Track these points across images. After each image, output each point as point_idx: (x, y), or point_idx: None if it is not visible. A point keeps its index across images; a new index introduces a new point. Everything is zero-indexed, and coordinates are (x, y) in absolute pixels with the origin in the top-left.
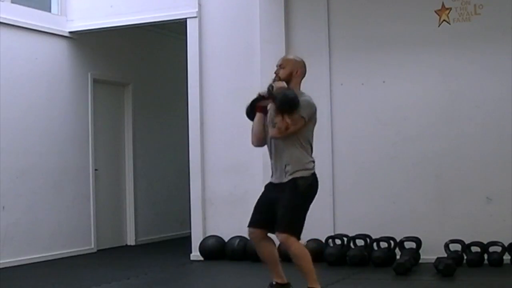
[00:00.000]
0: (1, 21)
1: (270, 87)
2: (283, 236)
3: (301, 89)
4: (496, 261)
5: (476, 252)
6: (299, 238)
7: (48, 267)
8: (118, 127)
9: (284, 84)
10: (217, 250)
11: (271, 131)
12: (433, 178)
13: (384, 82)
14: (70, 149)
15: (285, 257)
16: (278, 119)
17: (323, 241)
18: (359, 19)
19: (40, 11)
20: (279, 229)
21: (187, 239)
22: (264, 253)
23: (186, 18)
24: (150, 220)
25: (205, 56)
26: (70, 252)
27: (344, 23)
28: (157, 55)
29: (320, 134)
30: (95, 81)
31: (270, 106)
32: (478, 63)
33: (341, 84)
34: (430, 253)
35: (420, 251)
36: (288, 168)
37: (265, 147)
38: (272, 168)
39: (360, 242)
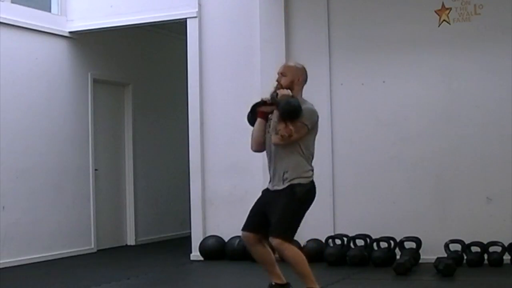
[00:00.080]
0: (1, 21)
1: (275, 94)
2: (277, 241)
3: (302, 94)
4: (496, 261)
5: (476, 252)
6: (291, 242)
7: (48, 267)
8: (118, 127)
9: (289, 92)
10: (217, 250)
11: (274, 138)
12: (433, 178)
13: (384, 82)
14: (70, 149)
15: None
16: (281, 126)
17: (323, 241)
18: (359, 19)
19: (40, 11)
20: (273, 234)
21: (187, 239)
22: (259, 256)
23: (186, 18)
24: (150, 220)
25: (205, 56)
26: (70, 252)
27: (344, 23)
28: (157, 55)
29: (320, 134)
30: (95, 81)
31: (274, 113)
32: (478, 63)
33: (341, 84)
34: (430, 253)
35: (420, 251)
36: (286, 175)
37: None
38: (270, 174)
39: (360, 242)
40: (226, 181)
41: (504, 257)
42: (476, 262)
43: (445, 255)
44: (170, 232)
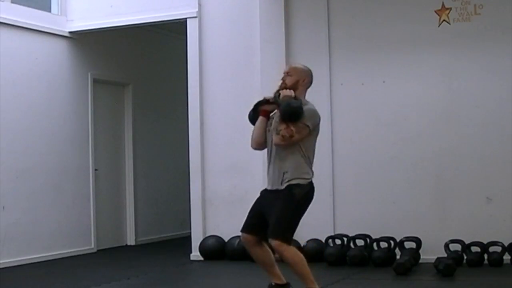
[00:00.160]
0: (1, 21)
1: (277, 94)
2: (276, 243)
3: (306, 97)
4: (496, 261)
5: (476, 252)
6: (290, 243)
7: (48, 267)
8: (118, 127)
9: (291, 92)
10: (217, 250)
11: (275, 138)
12: (433, 178)
13: (384, 82)
14: (70, 149)
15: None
16: (282, 126)
17: (323, 241)
18: (359, 19)
19: (40, 11)
20: (272, 235)
21: (187, 239)
22: (258, 257)
23: (186, 18)
24: (150, 220)
25: (205, 56)
26: (70, 252)
27: (344, 23)
28: (157, 55)
29: (320, 134)
30: (95, 81)
31: (275, 113)
32: (478, 63)
33: (341, 84)
34: (430, 253)
35: (420, 251)
36: (286, 175)
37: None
38: (269, 173)
39: (360, 242)
40: (226, 181)
41: (504, 257)
42: (476, 262)
43: (445, 255)
44: (170, 232)
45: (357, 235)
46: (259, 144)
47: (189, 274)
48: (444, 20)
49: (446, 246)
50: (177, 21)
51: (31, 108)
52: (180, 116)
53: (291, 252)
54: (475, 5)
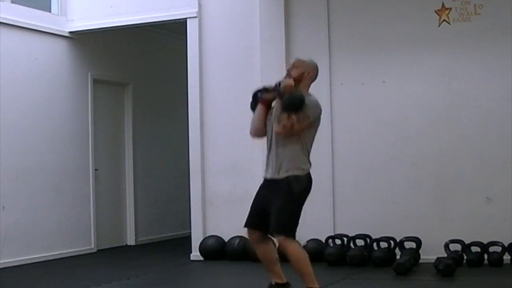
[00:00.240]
0: (1, 21)
1: (278, 83)
2: (280, 238)
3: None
4: (496, 261)
5: (476, 252)
6: (294, 237)
7: (48, 267)
8: (118, 127)
9: (291, 81)
10: (217, 250)
11: (276, 128)
12: (433, 178)
13: (384, 82)
14: (70, 149)
15: (284, 257)
16: (283, 116)
17: (323, 241)
18: (359, 19)
19: (40, 11)
20: (275, 231)
21: (187, 239)
22: (262, 253)
23: (186, 18)
24: (150, 220)
25: (205, 56)
26: (70, 252)
27: (344, 23)
28: (157, 55)
29: (320, 134)
30: (95, 81)
31: (276, 102)
32: (478, 63)
33: (341, 84)
34: (430, 253)
35: (420, 251)
36: (284, 164)
37: (265, 143)
38: (267, 162)
39: (360, 242)
40: (226, 181)
41: (504, 257)
42: (476, 262)
43: (445, 255)
44: (170, 232)
45: (357, 235)
46: (259, 131)
47: (189, 274)
48: (444, 20)
49: (446, 246)
50: (177, 21)
51: (31, 108)
52: (180, 116)
53: (295, 248)
54: (475, 5)
